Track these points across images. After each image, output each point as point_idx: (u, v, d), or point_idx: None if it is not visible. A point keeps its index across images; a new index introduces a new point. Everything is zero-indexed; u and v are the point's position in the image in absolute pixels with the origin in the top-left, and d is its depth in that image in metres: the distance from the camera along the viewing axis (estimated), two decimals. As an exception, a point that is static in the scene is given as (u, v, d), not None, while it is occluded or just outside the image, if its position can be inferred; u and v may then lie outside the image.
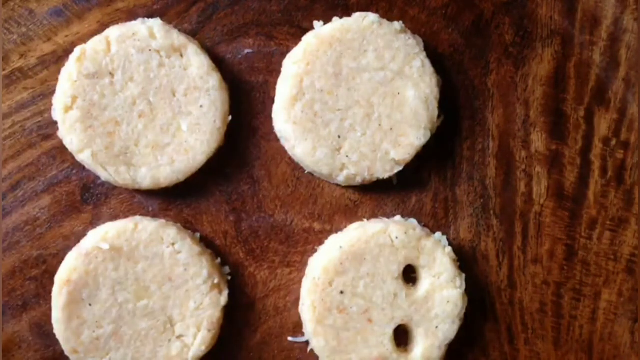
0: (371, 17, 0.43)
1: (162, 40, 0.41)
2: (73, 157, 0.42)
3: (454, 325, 0.43)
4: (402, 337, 0.43)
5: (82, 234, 0.42)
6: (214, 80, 0.42)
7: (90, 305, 0.40)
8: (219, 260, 0.43)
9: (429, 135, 0.43)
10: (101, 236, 0.41)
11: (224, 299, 0.42)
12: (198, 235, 0.43)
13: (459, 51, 0.45)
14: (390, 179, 0.43)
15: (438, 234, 0.44)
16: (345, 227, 0.44)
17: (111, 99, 0.41)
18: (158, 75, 0.41)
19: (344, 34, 0.42)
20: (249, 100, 0.44)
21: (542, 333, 0.46)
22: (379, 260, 0.42)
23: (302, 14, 0.44)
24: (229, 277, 0.43)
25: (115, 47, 0.41)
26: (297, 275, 0.44)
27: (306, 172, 0.44)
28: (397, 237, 0.42)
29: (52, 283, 0.41)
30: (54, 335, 0.41)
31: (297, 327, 0.44)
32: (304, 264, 0.44)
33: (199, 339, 0.41)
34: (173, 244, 0.41)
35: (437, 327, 0.42)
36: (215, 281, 0.41)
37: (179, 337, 0.41)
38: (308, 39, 0.43)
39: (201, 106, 0.41)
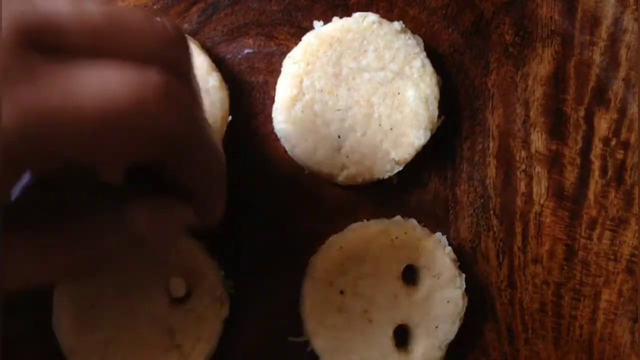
0: (371, 17, 0.43)
1: (162, 40, 0.41)
2: (73, 157, 0.42)
3: (454, 325, 0.43)
4: (402, 337, 0.43)
5: (82, 234, 0.42)
6: (214, 80, 0.42)
7: (92, 306, 0.40)
8: (223, 272, 0.43)
9: (429, 135, 0.43)
10: None
11: (225, 312, 0.42)
12: (204, 244, 0.43)
13: (459, 51, 0.45)
14: (390, 179, 0.43)
15: (438, 234, 0.44)
16: (345, 227, 0.44)
17: (111, 99, 0.41)
18: (158, 75, 0.41)
19: (344, 34, 0.42)
20: (249, 100, 0.44)
21: (542, 333, 0.46)
22: (379, 260, 0.42)
23: (302, 14, 0.44)
24: (232, 291, 0.43)
25: (115, 47, 0.41)
26: (297, 275, 0.44)
27: (306, 172, 0.44)
28: (397, 237, 0.42)
29: (52, 283, 0.41)
30: (53, 334, 0.41)
31: (297, 327, 0.44)
32: (304, 264, 0.44)
33: (197, 350, 0.41)
34: (179, 252, 0.41)
35: (437, 327, 0.42)
36: (218, 294, 0.41)
37: (177, 346, 0.41)
38: (308, 39, 0.43)
39: (201, 106, 0.41)
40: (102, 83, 0.23)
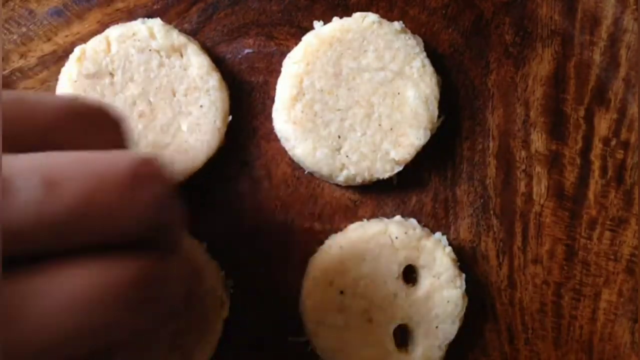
0: (371, 17, 0.43)
1: (162, 40, 0.41)
2: (73, 157, 0.42)
3: (454, 325, 0.43)
4: (402, 337, 0.43)
5: (82, 234, 0.42)
6: (214, 80, 0.42)
7: None
8: (223, 273, 0.42)
9: (429, 135, 0.43)
10: None
11: (225, 312, 0.42)
12: (205, 244, 0.43)
13: (459, 51, 0.45)
14: (390, 179, 0.43)
15: (438, 234, 0.44)
16: (345, 227, 0.44)
17: (111, 99, 0.41)
18: (158, 75, 0.41)
19: (344, 34, 0.42)
20: (249, 100, 0.44)
21: (542, 333, 0.46)
22: (379, 260, 0.42)
23: (302, 14, 0.44)
24: (231, 291, 0.43)
25: (115, 47, 0.41)
26: (297, 275, 0.44)
27: (306, 172, 0.44)
28: (397, 237, 0.42)
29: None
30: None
31: (297, 327, 0.44)
32: (304, 264, 0.44)
33: (198, 350, 0.41)
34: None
35: (437, 327, 0.42)
36: (218, 294, 0.41)
37: (178, 346, 0.41)
38: (308, 39, 0.43)
39: (201, 106, 0.41)
40: (65, 294, 0.21)
